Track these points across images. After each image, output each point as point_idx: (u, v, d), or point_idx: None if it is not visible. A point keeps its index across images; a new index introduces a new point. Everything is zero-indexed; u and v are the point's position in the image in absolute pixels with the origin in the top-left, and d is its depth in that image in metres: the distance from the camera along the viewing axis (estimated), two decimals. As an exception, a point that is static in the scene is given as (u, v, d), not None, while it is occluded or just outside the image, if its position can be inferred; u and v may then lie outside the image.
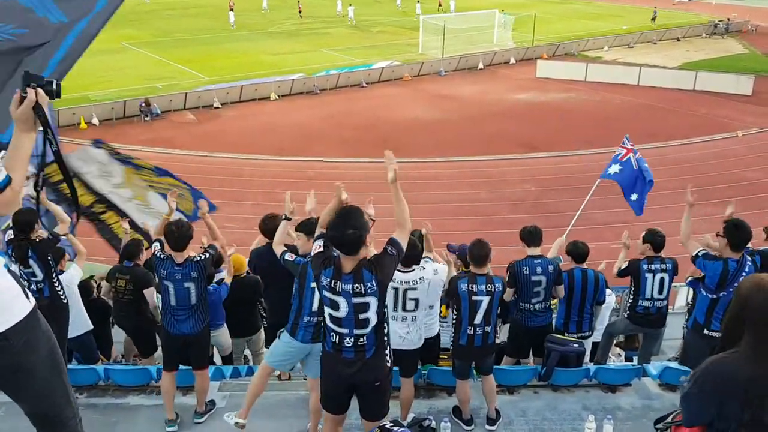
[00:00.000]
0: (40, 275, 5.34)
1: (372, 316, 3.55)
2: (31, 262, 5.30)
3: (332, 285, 3.54)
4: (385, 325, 3.67)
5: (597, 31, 40.69)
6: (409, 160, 17.86)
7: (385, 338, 3.68)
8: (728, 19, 43.55)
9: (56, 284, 5.46)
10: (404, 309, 4.73)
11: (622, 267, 6.14)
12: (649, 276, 5.93)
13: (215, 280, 6.10)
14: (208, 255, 4.86)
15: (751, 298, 2.38)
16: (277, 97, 26.53)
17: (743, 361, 2.34)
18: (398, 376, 4.80)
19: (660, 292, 5.98)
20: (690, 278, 5.71)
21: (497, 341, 5.47)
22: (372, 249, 3.69)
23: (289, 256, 4.41)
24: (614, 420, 4.66)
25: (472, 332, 4.75)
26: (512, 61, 33.60)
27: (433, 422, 4.62)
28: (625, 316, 6.48)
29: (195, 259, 4.74)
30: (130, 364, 6.71)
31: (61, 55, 4.10)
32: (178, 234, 4.67)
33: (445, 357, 5.57)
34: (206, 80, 28.24)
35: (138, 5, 46.76)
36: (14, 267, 5.24)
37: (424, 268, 4.77)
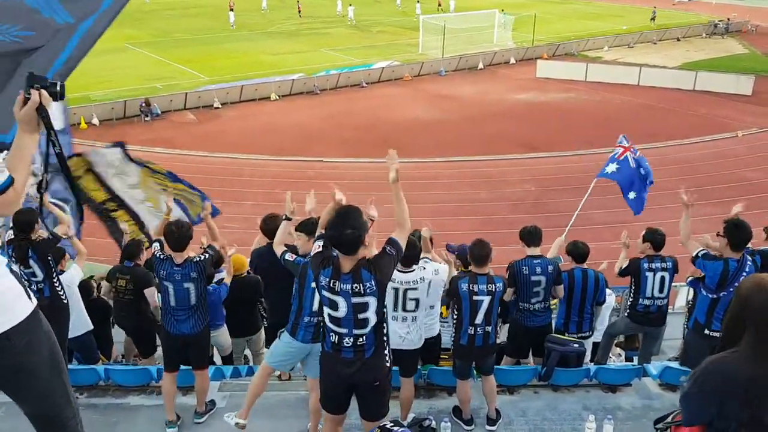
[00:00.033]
0: (40, 275, 5.34)
1: (371, 315, 3.55)
2: (31, 262, 5.30)
3: (331, 285, 3.54)
4: (384, 325, 3.67)
5: (597, 31, 40.69)
6: (410, 160, 17.85)
7: (385, 338, 3.68)
8: (728, 19, 43.55)
9: (56, 284, 5.45)
10: (404, 309, 4.73)
11: (623, 266, 6.15)
12: (649, 275, 5.94)
13: (215, 280, 6.10)
14: (207, 255, 4.86)
15: (752, 298, 2.38)
16: (277, 97, 26.53)
17: (743, 360, 2.34)
18: (398, 376, 4.80)
19: (660, 290, 5.99)
20: (690, 278, 5.72)
21: (497, 341, 5.47)
22: (373, 249, 3.69)
23: (289, 256, 4.41)
24: (614, 420, 4.66)
25: (472, 332, 4.75)
26: (512, 61, 33.60)
27: (433, 422, 4.62)
28: (626, 315, 6.49)
29: (195, 260, 4.74)
30: (130, 364, 6.71)
31: (66, 56, 4.09)
32: (178, 234, 4.67)
33: (446, 357, 5.58)
34: (206, 80, 28.25)
35: (138, 5, 46.75)
36: (15, 267, 5.24)
37: (424, 268, 4.77)
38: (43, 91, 2.44)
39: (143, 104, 23.51)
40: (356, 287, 3.49)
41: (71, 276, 5.97)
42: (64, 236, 5.76)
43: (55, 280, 5.44)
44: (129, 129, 22.46)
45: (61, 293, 5.49)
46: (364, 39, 38.89)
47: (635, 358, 6.82)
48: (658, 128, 22.52)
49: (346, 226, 3.42)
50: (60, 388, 2.79)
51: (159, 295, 6.04)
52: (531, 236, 5.59)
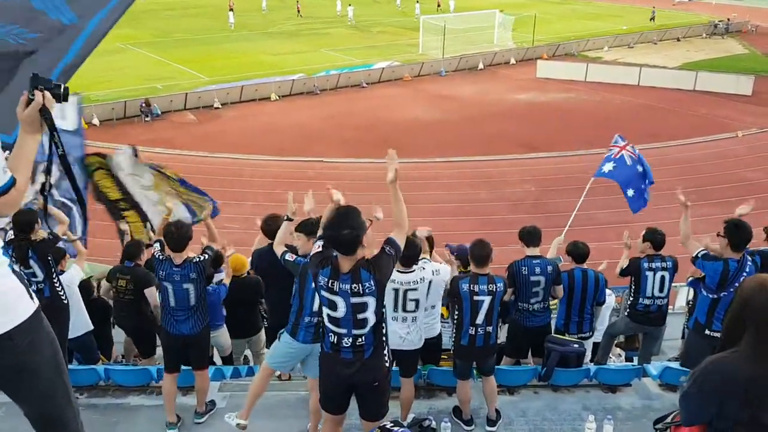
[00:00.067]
0: (40, 275, 5.33)
1: (370, 316, 3.55)
2: (31, 262, 5.29)
3: (330, 285, 3.54)
4: (383, 325, 3.67)
5: (597, 31, 40.70)
6: (410, 160, 17.86)
7: (384, 338, 3.68)
8: (728, 20, 43.56)
9: (57, 284, 5.45)
10: (404, 310, 4.73)
11: (624, 266, 6.15)
12: (649, 274, 5.95)
13: (214, 280, 6.11)
14: (206, 256, 4.86)
15: (753, 298, 2.37)
16: (278, 98, 26.54)
17: (743, 360, 2.34)
18: (398, 377, 4.80)
19: (660, 290, 6.00)
20: (691, 278, 5.72)
21: (498, 342, 5.47)
22: (374, 249, 3.69)
23: (289, 257, 4.42)
24: (614, 420, 4.66)
25: (473, 332, 4.75)
26: (512, 61, 33.61)
27: (433, 422, 4.62)
28: (626, 314, 6.49)
29: (194, 260, 4.73)
30: (130, 364, 6.71)
31: (71, 56, 4.07)
32: (177, 235, 4.66)
33: (446, 357, 5.58)
34: (206, 80, 28.27)
35: (138, 5, 46.73)
36: (16, 267, 5.24)
37: (423, 269, 4.77)
38: (47, 93, 2.45)
39: (143, 104, 23.51)
40: (355, 287, 3.49)
41: (71, 276, 5.97)
42: (63, 236, 5.76)
43: (55, 280, 5.43)
44: (129, 129, 22.47)
45: (62, 293, 5.49)
46: (365, 39, 38.91)
47: (635, 359, 6.82)
48: (658, 128, 22.53)
49: (343, 227, 3.42)
50: (61, 389, 2.79)
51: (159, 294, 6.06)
52: (530, 236, 5.59)
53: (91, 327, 6.20)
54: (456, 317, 4.89)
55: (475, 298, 4.69)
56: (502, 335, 6.38)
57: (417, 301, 4.72)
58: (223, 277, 6.50)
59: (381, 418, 3.73)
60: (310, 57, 33.49)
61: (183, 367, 4.98)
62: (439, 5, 46.10)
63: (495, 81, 30.47)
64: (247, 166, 19.27)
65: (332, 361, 3.68)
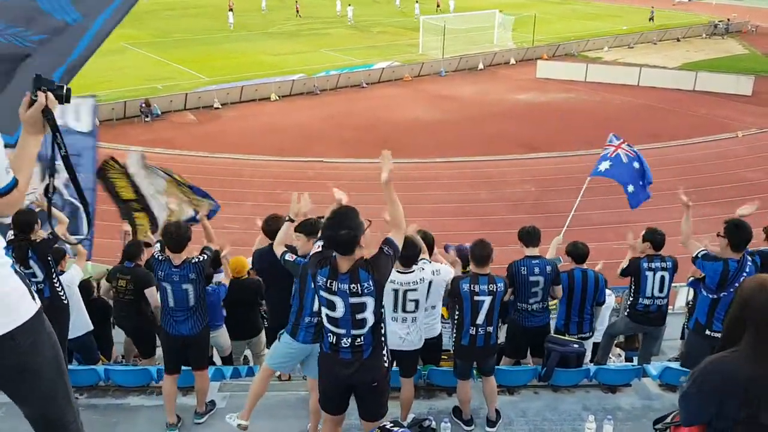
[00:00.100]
0: (40, 276, 5.33)
1: (369, 316, 3.55)
2: (31, 262, 5.29)
3: (328, 285, 3.54)
4: (382, 325, 3.67)
5: (597, 31, 40.71)
6: (410, 160, 17.84)
7: (383, 338, 3.68)
8: (728, 20, 43.56)
9: (57, 285, 5.45)
10: (404, 310, 4.72)
11: (624, 266, 6.15)
12: (649, 274, 5.95)
13: (214, 281, 6.10)
14: (205, 256, 4.85)
15: (753, 298, 2.37)
16: (278, 98, 26.55)
17: (743, 360, 2.34)
18: (398, 377, 4.80)
19: (660, 290, 6.00)
20: (691, 278, 5.72)
21: (498, 342, 5.47)
22: (373, 249, 3.69)
23: (289, 257, 4.42)
24: (614, 420, 4.66)
25: (474, 332, 4.75)
26: (512, 61, 33.61)
27: (433, 422, 4.63)
28: (626, 314, 6.49)
29: (193, 261, 4.73)
30: (130, 364, 6.71)
31: (75, 56, 4.06)
32: (176, 235, 4.66)
33: (446, 358, 5.57)
34: (206, 81, 28.27)
35: (138, 5, 46.70)
36: (17, 268, 5.23)
37: (423, 269, 4.77)
38: (50, 94, 2.46)
39: (143, 105, 23.51)
40: (354, 287, 3.49)
41: (71, 276, 5.97)
42: (62, 237, 5.76)
43: (55, 280, 5.43)
44: (129, 129, 22.47)
45: (62, 294, 5.49)
46: (365, 39, 38.91)
47: (635, 359, 6.82)
48: (658, 129, 22.53)
49: (341, 227, 3.42)
50: (62, 390, 2.79)
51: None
52: (529, 236, 5.59)
53: (91, 327, 6.20)
54: (456, 317, 4.89)
55: (476, 298, 4.69)
56: (502, 335, 6.38)
57: (417, 302, 4.72)
58: (222, 277, 6.50)
59: (380, 419, 3.73)
60: (310, 57, 33.49)
61: (183, 368, 4.99)
62: (438, 5, 46.12)
63: (495, 81, 30.47)
64: (247, 167, 19.27)
65: (331, 361, 3.69)
